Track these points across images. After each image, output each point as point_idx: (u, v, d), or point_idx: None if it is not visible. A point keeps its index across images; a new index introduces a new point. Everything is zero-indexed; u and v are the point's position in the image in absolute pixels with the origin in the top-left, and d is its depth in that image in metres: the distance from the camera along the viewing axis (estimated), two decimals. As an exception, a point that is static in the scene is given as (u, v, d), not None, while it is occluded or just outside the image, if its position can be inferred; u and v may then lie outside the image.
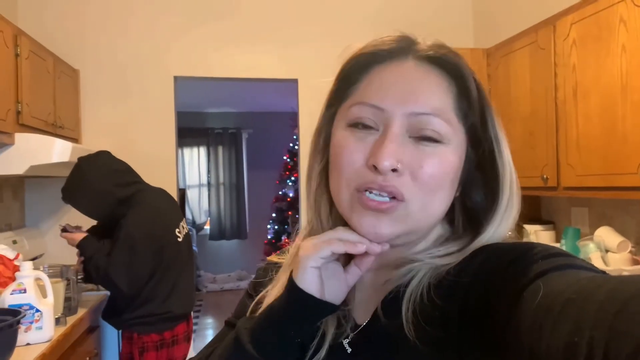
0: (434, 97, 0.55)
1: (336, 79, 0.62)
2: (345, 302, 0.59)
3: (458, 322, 0.50)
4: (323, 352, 0.57)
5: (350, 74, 0.60)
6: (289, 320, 0.55)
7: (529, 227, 2.59)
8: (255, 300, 0.66)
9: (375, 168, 0.53)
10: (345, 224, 0.62)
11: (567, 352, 0.36)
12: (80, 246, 2.12)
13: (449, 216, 0.61)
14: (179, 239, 2.24)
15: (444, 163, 0.55)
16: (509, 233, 0.59)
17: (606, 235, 2.09)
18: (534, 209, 2.78)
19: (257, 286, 0.70)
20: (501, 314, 0.45)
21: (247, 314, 0.65)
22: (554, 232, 2.60)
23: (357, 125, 0.56)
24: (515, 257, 0.49)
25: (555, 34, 2.13)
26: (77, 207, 2.19)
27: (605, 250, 2.08)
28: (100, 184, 2.10)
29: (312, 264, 0.54)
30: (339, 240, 0.55)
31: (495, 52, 2.61)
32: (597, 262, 2.03)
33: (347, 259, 0.59)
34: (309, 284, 0.54)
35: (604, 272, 0.45)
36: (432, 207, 0.56)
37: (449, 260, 0.56)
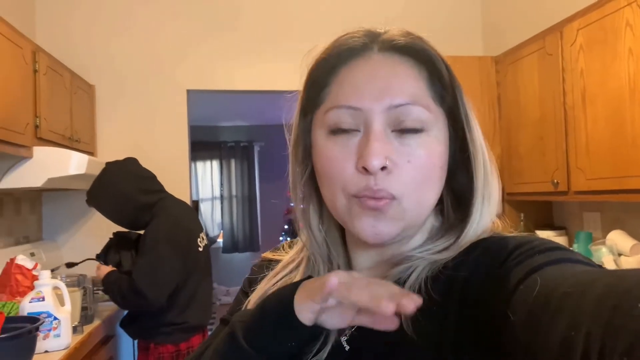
0: (407, 86, 0.54)
1: (305, 85, 0.61)
2: None
3: (455, 316, 0.50)
4: (324, 355, 0.56)
5: (318, 79, 0.59)
6: (278, 324, 0.52)
7: (540, 233, 2.59)
8: (249, 298, 0.66)
9: (365, 170, 0.52)
10: (338, 229, 0.63)
11: (563, 346, 0.36)
12: (105, 280, 2.13)
13: (438, 203, 0.60)
14: (200, 249, 2.26)
15: (431, 154, 0.54)
16: (512, 231, 0.58)
17: (618, 238, 2.09)
18: (546, 215, 2.77)
19: (252, 283, 0.70)
20: (498, 308, 0.45)
21: None
22: (566, 237, 2.59)
23: (337, 131, 0.55)
24: (512, 251, 0.49)
25: (563, 40, 2.15)
26: (100, 210, 2.20)
27: (618, 254, 2.07)
28: (125, 188, 2.14)
29: (310, 309, 0.50)
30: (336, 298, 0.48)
31: (504, 59, 2.63)
32: (610, 266, 2.02)
33: None
34: (304, 318, 0.50)
35: (600, 266, 0.45)
36: (425, 199, 0.56)
37: (447, 254, 0.55)
